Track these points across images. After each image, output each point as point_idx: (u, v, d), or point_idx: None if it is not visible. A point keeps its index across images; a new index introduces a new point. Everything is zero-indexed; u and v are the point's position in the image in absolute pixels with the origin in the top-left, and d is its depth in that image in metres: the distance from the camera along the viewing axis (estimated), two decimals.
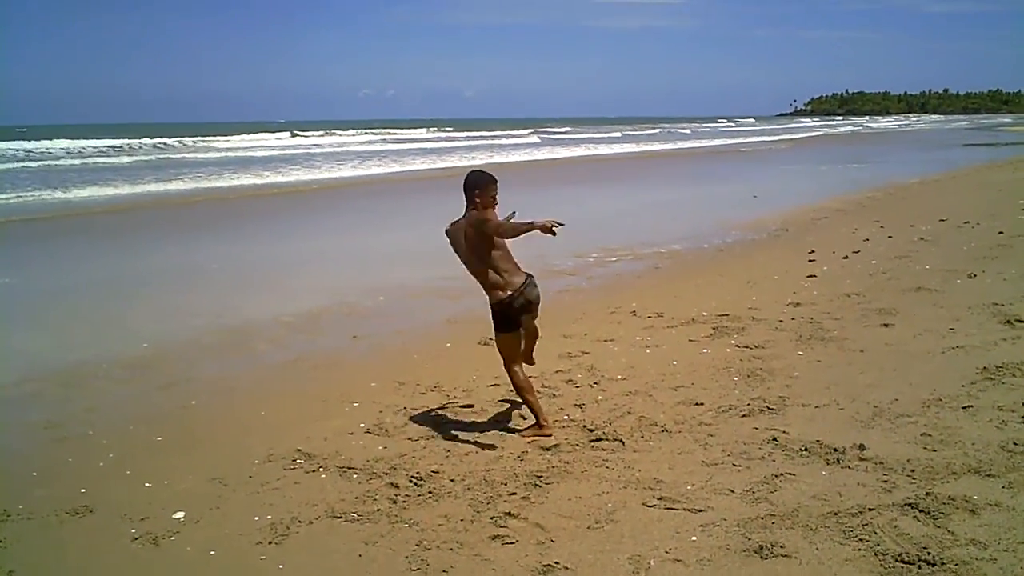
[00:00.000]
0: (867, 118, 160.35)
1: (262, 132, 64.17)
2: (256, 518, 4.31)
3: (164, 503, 4.55)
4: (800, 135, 69.99)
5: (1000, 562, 3.42)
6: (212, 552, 3.99)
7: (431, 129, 79.32)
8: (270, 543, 4.04)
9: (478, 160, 36.93)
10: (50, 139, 48.34)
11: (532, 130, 77.03)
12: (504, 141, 57.52)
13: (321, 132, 66.02)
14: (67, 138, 49.62)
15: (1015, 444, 4.59)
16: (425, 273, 10.89)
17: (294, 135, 61.42)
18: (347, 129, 74.35)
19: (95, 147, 44.59)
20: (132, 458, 5.25)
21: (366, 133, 67.43)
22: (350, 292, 9.93)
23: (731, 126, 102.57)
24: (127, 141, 48.91)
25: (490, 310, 5.30)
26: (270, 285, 10.60)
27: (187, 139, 51.72)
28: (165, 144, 48.03)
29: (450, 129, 78.34)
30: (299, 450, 5.19)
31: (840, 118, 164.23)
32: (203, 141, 50.30)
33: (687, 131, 79.60)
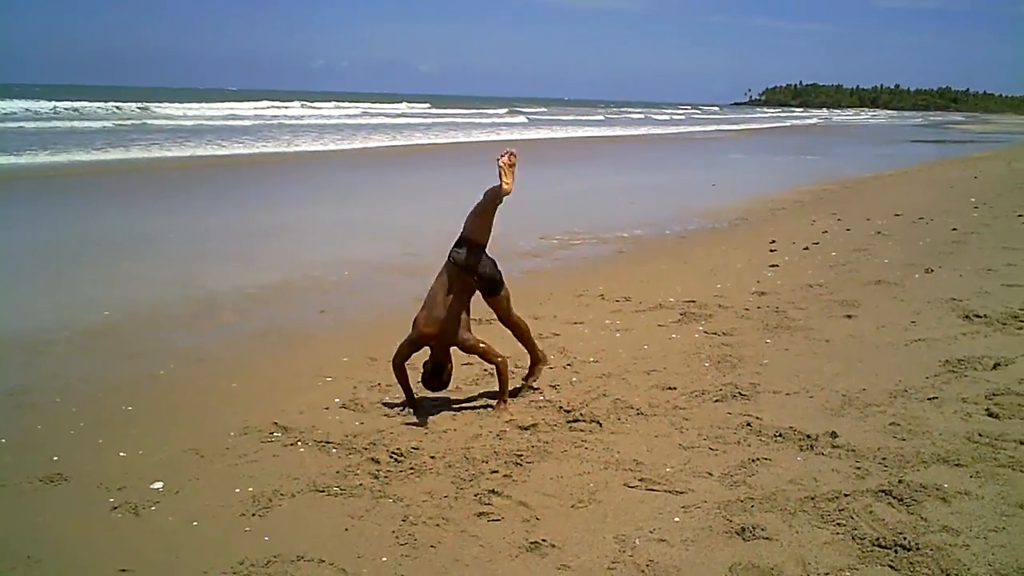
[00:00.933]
0: (827, 111, 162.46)
1: (224, 101, 62.49)
2: (237, 490, 4.29)
3: (141, 473, 4.51)
4: (763, 125, 70.77)
5: (972, 548, 3.54)
6: (195, 523, 3.97)
7: (410, 104, 78.75)
8: (253, 515, 4.03)
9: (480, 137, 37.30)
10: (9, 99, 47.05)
11: (508, 108, 77.16)
12: (489, 120, 57.51)
13: (298, 103, 64.46)
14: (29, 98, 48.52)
15: (980, 435, 4.73)
16: (390, 248, 10.89)
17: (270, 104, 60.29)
18: (324, 101, 72.87)
19: (47, 109, 43.42)
20: (103, 427, 5.18)
21: (344, 106, 66.18)
22: (314, 266, 9.86)
23: (696, 113, 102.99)
24: (85, 104, 47.74)
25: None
26: (233, 256, 10.50)
27: (150, 104, 50.56)
28: (118, 108, 46.84)
29: (427, 105, 77.92)
30: (275, 423, 5.17)
31: (801, 110, 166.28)
32: (160, 107, 49.10)
33: (642, 116, 79.72)
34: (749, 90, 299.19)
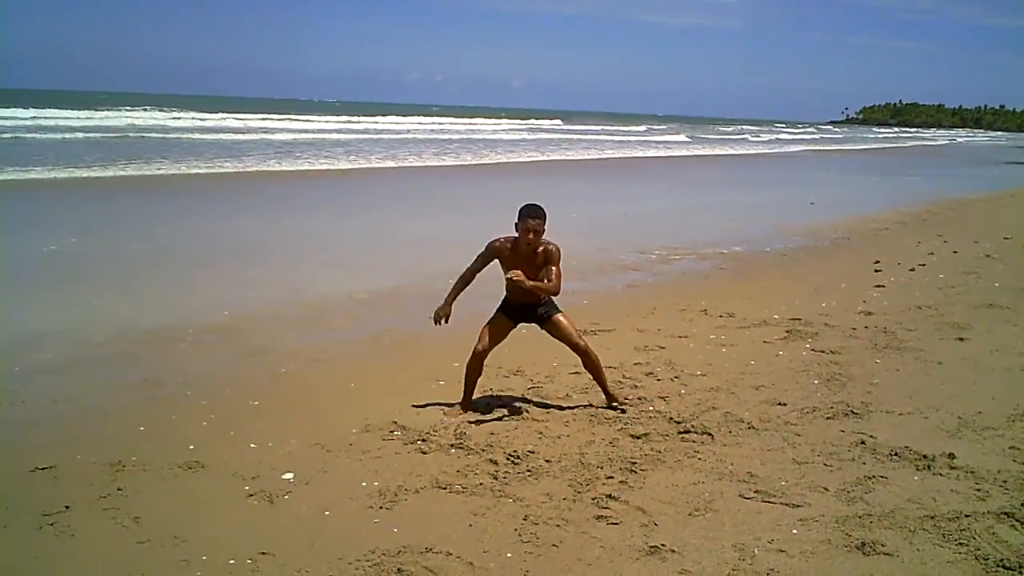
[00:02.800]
0: (955, 131, 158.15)
1: (333, 114, 64.14)
2: (363, 484, 4.49)
3: (272, 464, 4.75)
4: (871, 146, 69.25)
5: None
6: (327, 512, 4.17)
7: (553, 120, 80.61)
8: (381, 508, 4.21)
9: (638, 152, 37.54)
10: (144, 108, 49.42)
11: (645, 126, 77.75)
12: (653, 138, 58.15)
13: (394, 116, 65.68)
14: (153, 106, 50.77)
15: None
16: None
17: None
18: (424, 115, 74.34)
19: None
20: (233, 419, 5.45)
21: (503, 122, 67.31)
22: (419, 274, 10.11)
23: (812, 133, 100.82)
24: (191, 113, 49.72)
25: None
26: (342, 263, 10.83)
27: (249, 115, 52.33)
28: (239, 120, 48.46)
29: (559, 121, 79.87)
30: (395, 422, 5.37)
31: (934, 130, 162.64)
32: (265, 119, 50.64)
33: (745, 135, 78.47)
34: (846, 108, 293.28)
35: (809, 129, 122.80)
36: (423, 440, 5.08)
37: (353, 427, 5.30)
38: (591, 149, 40.50)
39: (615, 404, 5.71)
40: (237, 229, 13.13)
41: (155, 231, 12.77)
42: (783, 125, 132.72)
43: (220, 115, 51.88)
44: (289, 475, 4.60)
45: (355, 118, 59.29)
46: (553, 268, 5.52)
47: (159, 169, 22.11)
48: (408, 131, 49.90)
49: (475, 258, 5.82)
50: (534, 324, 5.86)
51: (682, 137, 61.40)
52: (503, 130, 58.39)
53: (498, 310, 5.96)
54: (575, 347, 5.72)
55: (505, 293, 5.87)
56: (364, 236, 12.97)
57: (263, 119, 50.40)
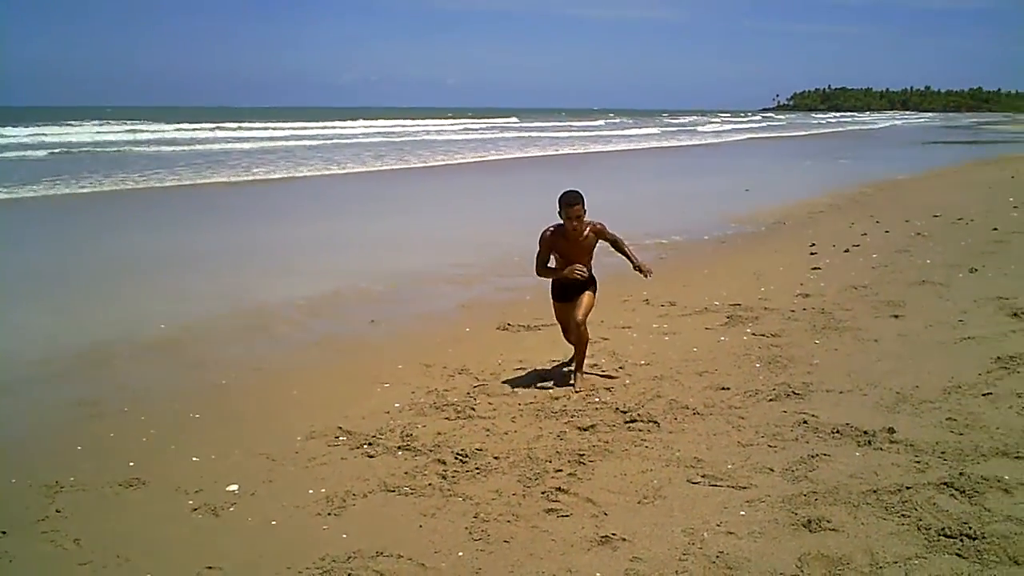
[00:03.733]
0: (892, 114, 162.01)
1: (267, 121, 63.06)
2: (310, 491, 4.43)
3: (216, 476, 4.67)
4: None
5: None
6: (273, 523, 4.12)
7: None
8: (329, 514, 4.17)
9: (585, 148, 37.35)
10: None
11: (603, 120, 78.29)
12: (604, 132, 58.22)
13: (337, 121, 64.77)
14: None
15: None
16: (434, 260, 11.05)
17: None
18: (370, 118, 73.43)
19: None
20: (174, 434, 5.35)
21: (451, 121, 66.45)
22: (361, 277, 10.04)
23: (728, 120, 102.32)
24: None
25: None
26: (281, 270, 10.68)
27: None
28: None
29: (515, 119, 79.91)
30: (339, 428, 5.32)
31: (871, 114, 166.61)
32: (198, 129, 49.67)
33: (695, 126, 79.08)
34: (777, 95, 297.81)
35: (755, 117, 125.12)
36: (369, 444, 5.04)
37: (298, 435, 5.24)
38: (530, 147, 40.36)
39: (573, 383, 6.01)
40: (173, 241, 12.88)
41: (87, 246, 12.51)
42: (727, 115, 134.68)
43: (153, 126, 50.85)
44: (234, 487, 4.53)
45: (293, 124, 58.31)
46: (614, 238, 6.19)
47: (88, 186, 21.56)
48: (354, 136, 48.78)
49: (538, 252, 6.10)
50: None
51: (633, 131, 61.57)
52: (453, 130, 57.89)
53: (554, 300, 6.40)
54: (574, 319, 6.01)
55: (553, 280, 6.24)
56: (304, 242, 12.80)
57: (195, 129, 49.40)
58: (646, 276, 6.24)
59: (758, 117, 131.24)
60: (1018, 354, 6.18)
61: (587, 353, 6.59)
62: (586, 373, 6.18)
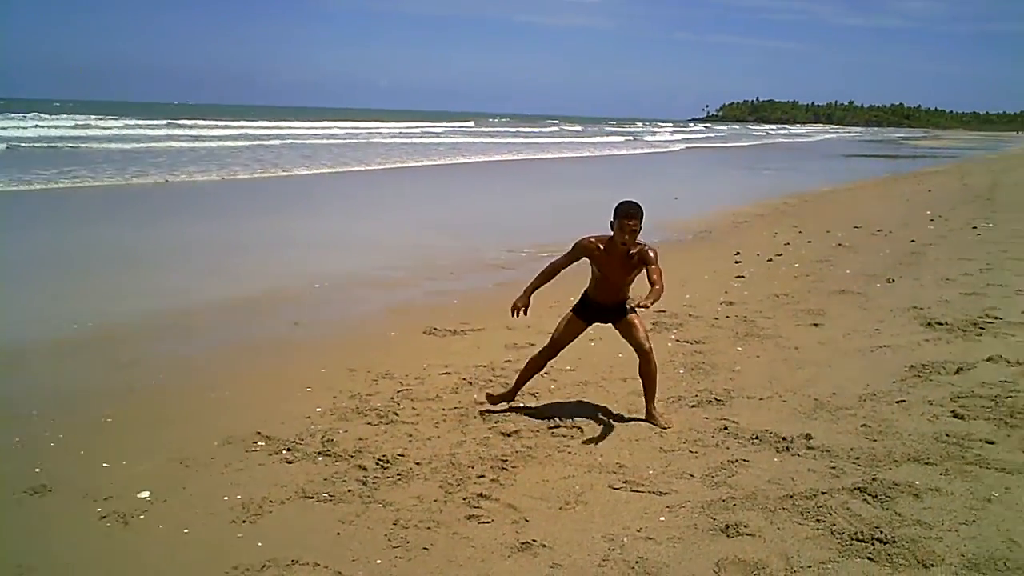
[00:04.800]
0: (786, 127, 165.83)
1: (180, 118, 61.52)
2: (225, 498, 4.32)
3: (126, 483, 4.51)
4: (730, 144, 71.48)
5: (945, 540, 3.70)
6: (186, 530, 3.99)
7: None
8: (244, 522, 4.06)
9: (523, 155, 36.92)
10: None
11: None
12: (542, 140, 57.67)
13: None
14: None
15: (947, 435, 4.92)
16: (362, 263, 10.95)
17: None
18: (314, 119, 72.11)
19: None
20: (84, 438, 5.16)
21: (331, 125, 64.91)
22: (287, 279, 9.89)
23: (652, 130, 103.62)
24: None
25: None
26: (207, 270, 10.45)
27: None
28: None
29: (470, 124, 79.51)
30: (259, 432, 5.19)
31: (806, 127, 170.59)
32: (126, 126, 48.32)
33: (631, 135, 79.56)
34: (707, 106, 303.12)
35: (698, 128, 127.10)
36: (288, 449, 4.93)
37: (214, 440, 5.10)
38: (457, 154, 40.20)
39: (655, 422, 5.36)
40: (99, 239, 12.53)
41: (6, 243, 12.07)
42: (669, 124, 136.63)
43: (82, 119, 49.43)
44: (145, 493, 4.39)
45: (228, 123, 57.21)
46: (653, 267, 5.14)
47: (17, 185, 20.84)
48: (292, 136, 47.54)
49: (562, 255, 5.62)
50: (608, 324, 5.66)
51: (565, 139, 61.68)
52: (391, 133, 57.01)
53: (574, 311, 5.77)
54: (639, 347, 5.46)
55: (587, 291, 5.68)
56: (230, 243, 12.54)
57: (124, 126, 48.09)
58: (643, 306, 5.33)
59: (700, 127, 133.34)
60: (930, 362, 6.36)
61: (514, 358, 6.60)
62: (680, 397, 5.73)
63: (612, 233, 5.26)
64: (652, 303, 4.92)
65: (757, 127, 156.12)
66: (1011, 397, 5.53)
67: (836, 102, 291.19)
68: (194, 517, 4.14)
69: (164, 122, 53.85)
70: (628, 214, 5.19)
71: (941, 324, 7.55)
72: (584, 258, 5.47)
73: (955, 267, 10.63)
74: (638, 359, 5.48)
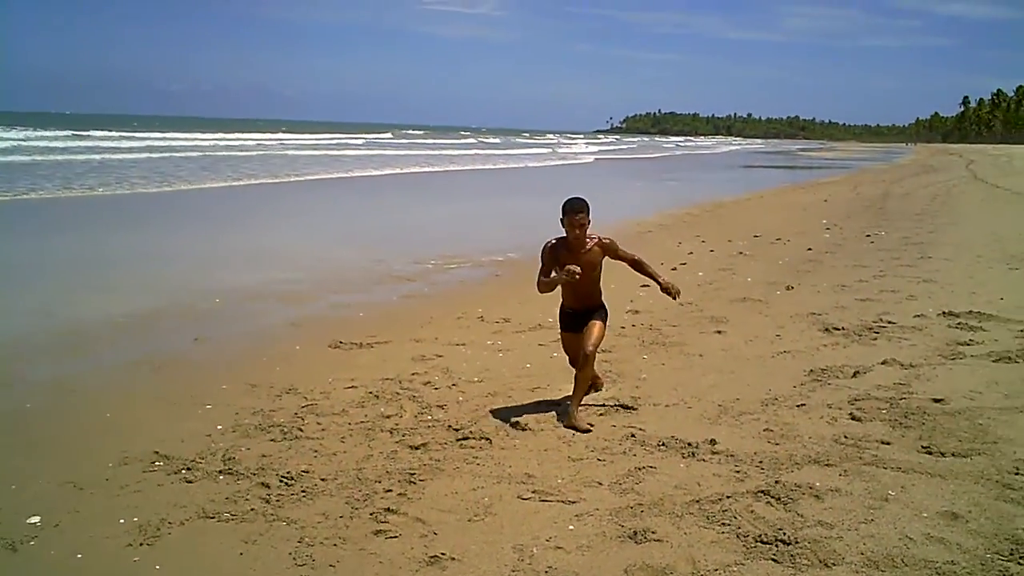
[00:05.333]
0: (691, 139, 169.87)
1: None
2: (121, 520, 4.15)
3: (15, 508, 4.30)
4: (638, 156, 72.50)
5: (845, 539, 3.79)
6: (79, 556, 3.82)
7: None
8: (141, 545, 3.91)
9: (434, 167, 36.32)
10: None
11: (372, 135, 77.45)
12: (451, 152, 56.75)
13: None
14: None
15: (846, 437, 5.06)
16: (261, 276, 10.71)
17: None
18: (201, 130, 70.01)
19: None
20: None
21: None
22: (184, 293, 9.61)
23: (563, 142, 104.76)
24: None
25: None
26: (100, 285, 10.08)
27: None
28: None
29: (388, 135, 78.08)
30: (156, 452, 5.01)
31: (712, 139, 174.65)
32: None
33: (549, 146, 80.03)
34: (610, 118, 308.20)
35: (608, 140, 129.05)
36: (188, 468, 4.77)
37: (109, 461, 4.90)
38: (370, 167, 39.83)
39: (574, 425, 5.38)
40: None
41: None
42: (580, 136, 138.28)
43: None
44: (35, 519, 4.18)
45: (121, 134, 55.39)
46: (625, 254, 5.74)
47: None
48: (186, 148, 46.19)
49: (540, 267, 5.61)
50: None
51: (483, 151, 61.66)
52: (295, 144, 55.92)
53: (561, 329, 5.85)
54: (582, 349, 5.49)
55: (561, 306, 5.72)
56: (125, 257, 12.11)
57: (26, 138, 46.06)
58: (674, 298, 5.90)
59: (611, 139, 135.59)
60: (828, 367, 6.55)
61: (421, 370, 6.55)
62: (589, 405, 5.75)
63: (565, 231, 5.45)
64: (676, 291, 5.84)
65: (666, 139, 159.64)
66: (905, 399, 5.73)
67: (735, 114, 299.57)
68: (88, 541, 3.97)
69: (68, 133, 51.90)
70: (574, 209, 5.39)
71: (838, 329, 7.78)
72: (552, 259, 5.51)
73: (850, 274, 10.99)
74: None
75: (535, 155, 59.00)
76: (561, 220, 5.45)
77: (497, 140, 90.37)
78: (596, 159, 58.90)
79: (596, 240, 5.56)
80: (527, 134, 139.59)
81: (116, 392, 6.27)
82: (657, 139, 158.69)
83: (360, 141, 67.73)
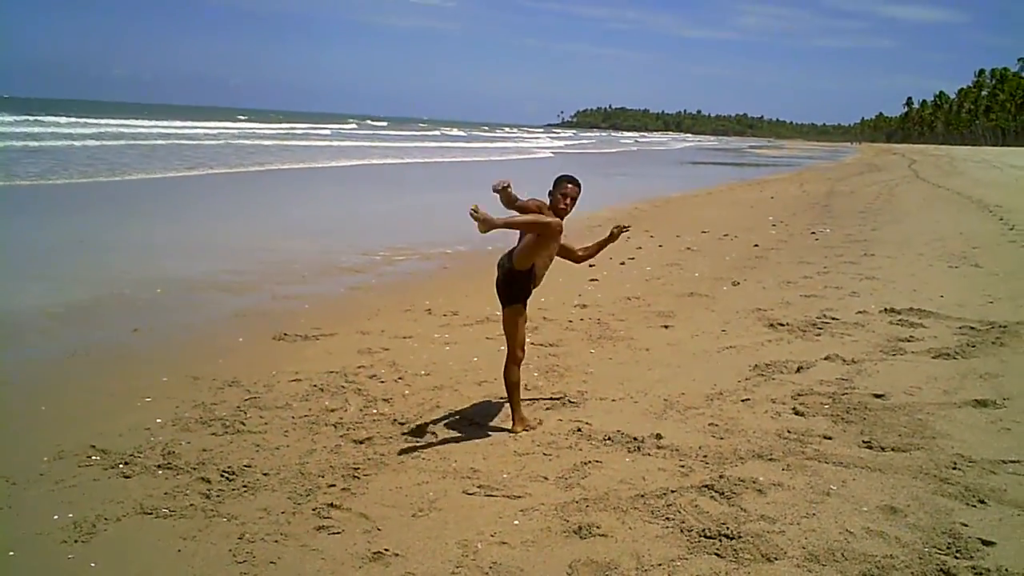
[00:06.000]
0: (639, 135, 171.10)
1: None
2: (56, 516, 4.04)
3: None
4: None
5: (788, 534, 3.82)
6: (12, 553, 3.71)
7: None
8: (76, 541, 3.81)
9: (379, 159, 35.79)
10: None
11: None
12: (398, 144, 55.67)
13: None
14: None
15: (789, 432, 5.11)
16: (206, 266, 10.52)
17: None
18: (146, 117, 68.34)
19: None
20: None
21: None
22: (123, 283, 9.38)
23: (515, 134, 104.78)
24: None
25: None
26: (34, 274, 9.81)
27: None
28: None
29: (351, 123, 76.35)
30: (93, 446, 4.89)
31: (667, 134, 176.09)
32: None
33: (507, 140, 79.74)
34: (561, 112, 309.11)
35: (568, 133, 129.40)
36: (126, 463, 4.67)
37: (44, 455, 4.77)
38: (323, 158, 39.31)
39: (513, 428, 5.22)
40: None
41: None
42: (540, 130, 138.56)
43: None
44: None
45: (64, 119, 53.99)
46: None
47: None
48: (129, 135, 45.04)
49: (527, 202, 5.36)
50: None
51: (446, 143, 61.20)
52: (240, 133, 54.83)
53: (524, 304, 5.40)
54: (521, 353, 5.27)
55: (532, 276, 5.35)
56: (60, 245, 11.78)
57: None
58: (623, 231, 5.88)
59: (569, 134, 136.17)
60: (773, 362, 6.61)
61: (367, 363, 6.48)
62: (536, 399, 5.72)
63: (550, 203, 5.28)
64: (621, 228, 5.81)
65: (621, 135, 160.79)
66: (847, 394, 5.80)
67: (685, 111, 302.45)
68: (21, 538, 3.86)
69: (20, 117, 50.49)
70: (569, 181, 5.30)
71: (783, 325, 7.87)
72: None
73: (795, 270, 11.13)
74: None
75: (497, 148, 58.85)
76: (550, 193, 5.32)
77: (462, 133, 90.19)
78: (554, 153, 58.95)
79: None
80: (486, 127, 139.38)
81: (51, 384, 6.11)
82: (614, 135, 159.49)
83: (327, 131, 66.94)
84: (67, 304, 8.38)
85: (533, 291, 5.35)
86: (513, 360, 5.18)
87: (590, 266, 11.29)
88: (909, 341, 7.22)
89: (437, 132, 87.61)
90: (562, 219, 5.20)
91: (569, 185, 5.25)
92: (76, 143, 35.44)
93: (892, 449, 4.81)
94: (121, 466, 4.64)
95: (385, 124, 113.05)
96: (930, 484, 4.35)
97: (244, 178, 25.42)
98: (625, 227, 5.78)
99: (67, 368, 6.54)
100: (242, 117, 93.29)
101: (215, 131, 55.01)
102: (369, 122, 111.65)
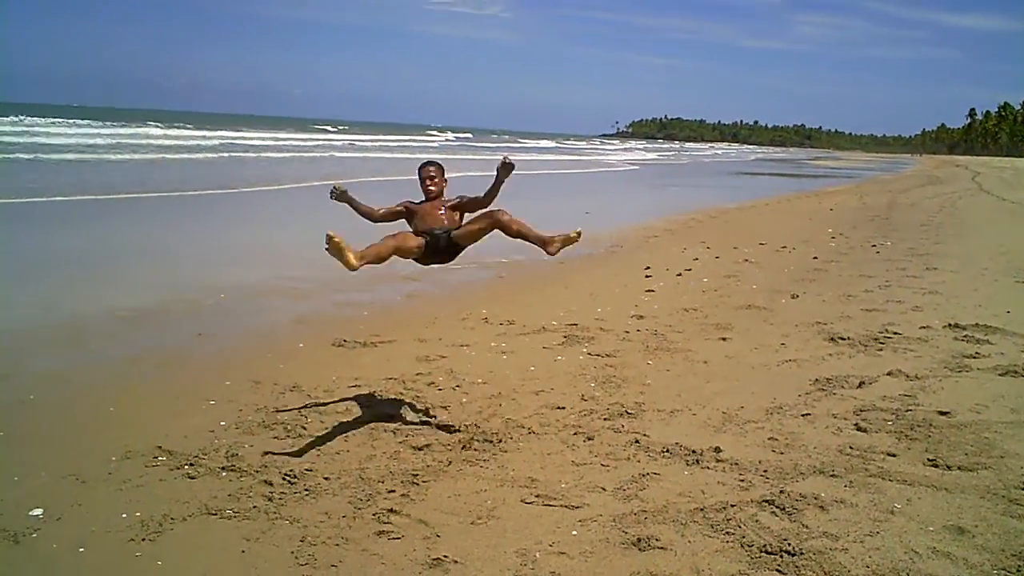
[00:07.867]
0: (742, 147, 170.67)
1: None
2: (124, 515, 4.14)
3: (17, 500, 4.29)
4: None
5: (851, 552, 3.76)
6: (81, 549, 3.81)
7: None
8: (143, 540, 3.90)
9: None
10: None
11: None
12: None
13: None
14: None
15: (851, 448, 5.03)
16: (266, 272, 10.68)
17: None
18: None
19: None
20: None
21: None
22: (188, 289, 9.56)
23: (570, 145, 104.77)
24: None
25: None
26: (102, 279, 10.05)
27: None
28: None
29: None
30: (159, 447, 5.00)
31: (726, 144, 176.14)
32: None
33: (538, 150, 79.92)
34: (617, 122, 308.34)
35: (638, 146, 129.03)
36: (191, 464, 4.76)
37: (112, 455, 4.89)
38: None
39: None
40: None
41: None
42: (616, 141, 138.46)
43: None
44: (38, 511, 4.17)
45: (123, 128, 55.22)
46: (467, 202, 6.04)
47: None
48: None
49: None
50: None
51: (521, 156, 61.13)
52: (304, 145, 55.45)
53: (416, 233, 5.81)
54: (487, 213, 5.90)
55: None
56: (127, 252, 12.09)
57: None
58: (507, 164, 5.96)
59: (640, 144, 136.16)
60: (834, 376, 6.52)
61: (425, 371, 6.53)
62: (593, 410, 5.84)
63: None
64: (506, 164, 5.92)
65: (698, 146, 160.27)
66: (911, 411, 5.70)
67: (741, 121, 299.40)
68: (90, 535, 3.96)
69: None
70: (425, 163, 6.00)
71: (844, 339, 7.76)
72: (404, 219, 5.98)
73: (856, 283, 10.97)
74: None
75: (582, 162, 58.40)
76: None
77: (550, 144, 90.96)
78: (639, 165, 58.40)
79: (460, 198, 6.02)
80: (554, 137, 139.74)
81: (119, 386, 6.26)
82: (688, 145, 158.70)
83: (415, 144, 67.34)
84: (133, 308, 8.58)
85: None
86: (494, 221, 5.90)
87: (647, 277, 11.28)
88: (975, 358, 7.07)
89: (528, 144, 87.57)
90: (434, 198, 5.89)
91: (425, 168, 5.92)
92: (147, 156, 36.31)
93: (958, 468, 4.72)
94: (187, 467, 4.74)
95: (471, 136, 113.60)
96: (998, 505, 4.26)
97: (305, 188, 25.79)
98: (508, 160, 5.99)
99: (134, 370, 6.69)
100: (331, 128, 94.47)
101: (311, 143, 55.12)
102: (451, 134, 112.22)
